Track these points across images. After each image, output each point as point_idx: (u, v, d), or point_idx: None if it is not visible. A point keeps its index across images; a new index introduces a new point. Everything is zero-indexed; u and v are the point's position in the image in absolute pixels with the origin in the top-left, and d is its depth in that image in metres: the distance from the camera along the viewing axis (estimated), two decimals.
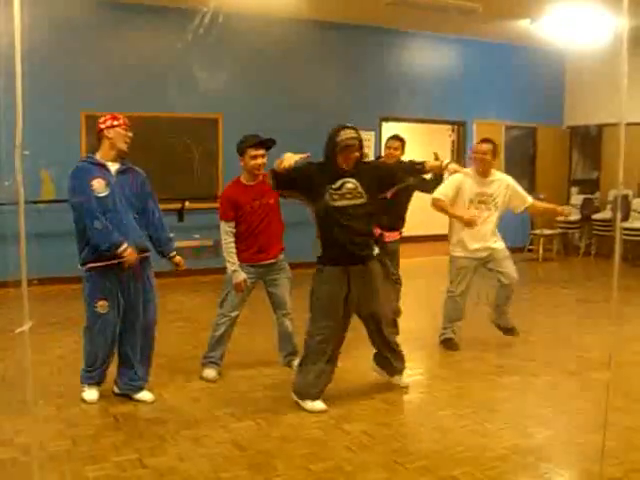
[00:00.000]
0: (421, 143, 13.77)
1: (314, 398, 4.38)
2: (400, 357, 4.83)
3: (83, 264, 4.45)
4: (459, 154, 11.93)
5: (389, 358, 4.77)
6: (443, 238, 12.53)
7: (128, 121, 4.55)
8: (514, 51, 11.75)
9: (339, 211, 4.30)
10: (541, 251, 11.44)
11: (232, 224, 4.88)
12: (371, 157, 10.84)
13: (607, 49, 8.79)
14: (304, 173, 4.33)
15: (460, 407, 4.47)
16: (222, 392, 4.74)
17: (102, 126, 4.49)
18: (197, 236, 9.46)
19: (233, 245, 4.89)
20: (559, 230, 11.97)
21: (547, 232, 11.65)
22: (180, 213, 9.33)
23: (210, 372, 5.01)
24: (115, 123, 4.46)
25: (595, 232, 11.64)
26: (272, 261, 5.03)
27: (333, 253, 4.38)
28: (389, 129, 11.57)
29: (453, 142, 12.05)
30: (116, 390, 4.65)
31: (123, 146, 4.48)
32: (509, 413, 4.39)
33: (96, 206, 4.26)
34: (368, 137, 10.88)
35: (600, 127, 11.73)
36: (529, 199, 6.08)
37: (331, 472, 3.50)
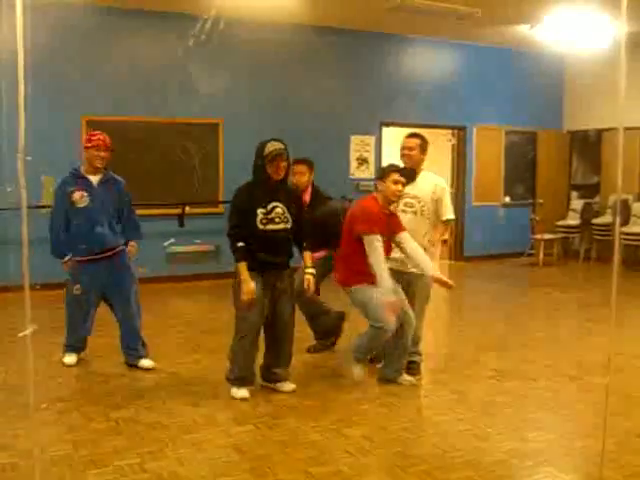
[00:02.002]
0: None
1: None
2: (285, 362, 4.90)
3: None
4: (459, 159, 11.96)
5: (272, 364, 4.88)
6: (444, 243, 12.55)
7: (104, 141, 5.12)
8: (514, 56, 11.77)
9: (266, 235, 4.55)
10: (541, 255, 11.45)
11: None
12: (371, 162, 10.89)
13: (606, 54, 8.81)
14: (243, 211, 4.56)
15: (460, 411, 4.47)
16: (222, 397, 4.74)
17: (83, 144, 5.25)
18: (198, 241, 9.48)
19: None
20: (559, 235, 11.99)
21: (547, 237, 11.67)
22: (180, 218, 9.34)
23: None
24: (88, 145, 5.12)
25: (595, 237, 11.65)
26: None
27: (254, 265, 4.57)
28: (390, 134, 11.61)
29: (453, 147, 12.07)
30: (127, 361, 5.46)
31: (96, 164, 5.14)
32: (509, 417, 4.40)
33: (63, 219, 5.16)
34: (368, 142, 10.91)
35: (600, 131, 11.75)
36: (449, 215, 5.19)
37: (331, 476, 3.50)
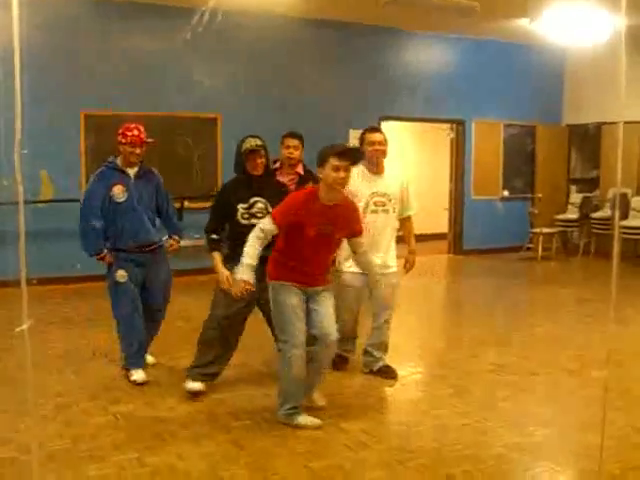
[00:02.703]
0: (420, 142, 13.84)
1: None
2: None
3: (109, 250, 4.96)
4: (458, 153, 11.95)
5: None
6: (443, 237, 12.57)
7: (139, 137, 4.88)
8: (513, 50, 11.76)
9: (248, 230, 4.34)
10: (540, 250, 11.45)
11: None
12: None
13: (606, 48, 8.79)
14: (224, 206, 4.57)
15: (459, 406, 4.47)
16: (221, 391, 4.74)
17: (118, 139, 4.92)
18: (197, 236, 9.44)
19: None
20: (558, 229, 11.99)
21: (546, 230, 11.66)
22: (179, 212, 9.31)
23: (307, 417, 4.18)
24: (123, 141, 4.88)
25: (594, 231, 11.64)
26: None
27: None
28: (389, 128, 11.59)
29: (452, 141, 12.06)
30: None
31: (132, 159, 4.93)
32: (508, 412, 4.40)
33: (97, 209, 4.82)
34: None
35: (599, 125, 11.73)
36: (413, 210, 5.12)
37: (330, 470, 3.50)
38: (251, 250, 3.97)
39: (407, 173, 5.10)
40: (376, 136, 4.93)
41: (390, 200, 4.90)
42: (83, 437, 3.92)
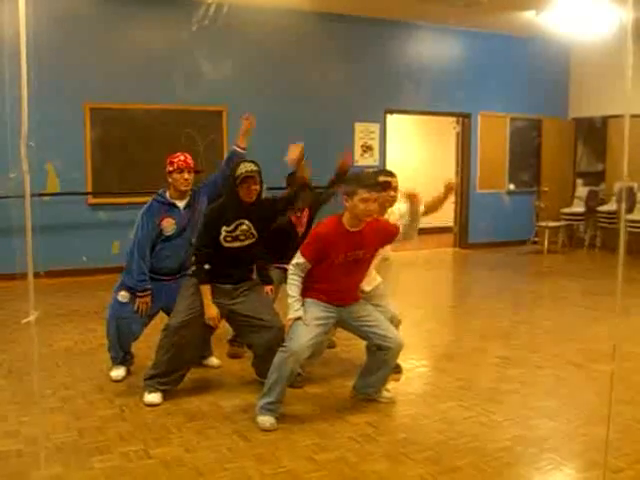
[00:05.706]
0: (426, 135, 13.82)
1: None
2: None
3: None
4: (464, 146, 11.93)
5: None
6: (448, 230, 12.56)
7: (185, 161, 4.75)
8: (519, 43, 11.72)
9: (229, 251, 4.37)
10: (546, 243, 11.44)
11: None
12: (376, 150, 10.89)
13: (612, 40, 8.74)
14: (212, 230, 4.37)
15: (465, 398, 4.48)
16: (227, 383, 4.76)
17: (166, 170, 4.81)
18: None
19: None
20: (564, 222, 11.97)
21: (552, 224, 11.65)
22: None
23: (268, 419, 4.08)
24: (170, 169, 4.75)
25: (600, 224, 11.63)
26: None
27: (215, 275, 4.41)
28: (394, 121, 11.58)
29: (458, 134, 12.04)
30: None
31: (181, 188, 4.76)
32: (514, 405, 4.40)
33: (149, 248, 4.71)
34: (373, 129, 10.90)
35: (605, 119, 11.69)
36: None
37: (336, 463, 3.51)
38: (293, 288, 4.08)
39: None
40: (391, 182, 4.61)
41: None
42: (89, 429, 3.94)
